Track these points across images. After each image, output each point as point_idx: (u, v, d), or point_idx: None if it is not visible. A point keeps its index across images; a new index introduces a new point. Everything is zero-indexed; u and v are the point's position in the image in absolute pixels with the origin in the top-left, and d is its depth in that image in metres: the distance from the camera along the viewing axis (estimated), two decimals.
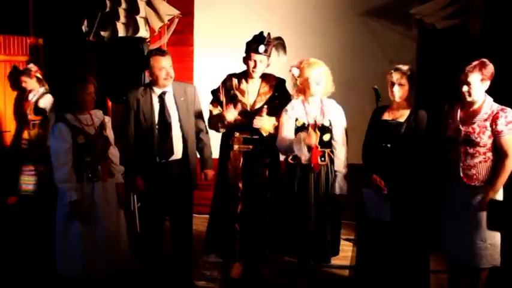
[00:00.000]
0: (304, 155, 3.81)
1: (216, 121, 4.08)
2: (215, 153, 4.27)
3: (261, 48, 3.95)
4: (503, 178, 3.50)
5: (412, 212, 3.71)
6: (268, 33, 4.01)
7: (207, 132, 4.16)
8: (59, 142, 3.64)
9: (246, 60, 4.03)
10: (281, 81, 4.13)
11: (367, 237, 3.88)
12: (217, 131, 4.14)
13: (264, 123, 3.97)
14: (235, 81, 4.10)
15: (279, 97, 4.08)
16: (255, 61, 3.98)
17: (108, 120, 3.88)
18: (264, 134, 4.00)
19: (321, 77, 3.83)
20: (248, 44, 4.00)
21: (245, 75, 4.10)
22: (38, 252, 4.60)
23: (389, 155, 3.70)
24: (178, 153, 3.97)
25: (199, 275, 4.36)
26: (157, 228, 4.06)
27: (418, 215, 3.73)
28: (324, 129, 3.88)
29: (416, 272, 3.78)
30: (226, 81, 4.12)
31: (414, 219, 3.71)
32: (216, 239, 4.17)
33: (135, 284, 4.15)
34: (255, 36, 4.01)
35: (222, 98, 4.09)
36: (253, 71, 4.01)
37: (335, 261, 4.12)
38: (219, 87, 4.13)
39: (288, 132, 3.89)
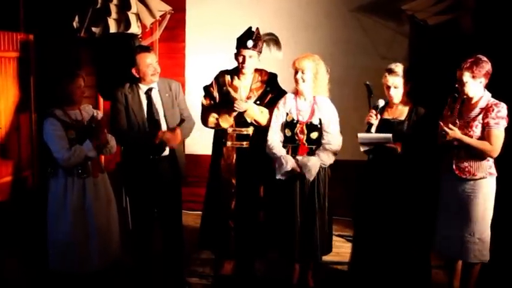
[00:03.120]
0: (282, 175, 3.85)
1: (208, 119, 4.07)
2: (207, 150, 4.25)
3: (250, 43, 3.93)
4: (476, 144, 3.52)
5: (415, 209, 3.74)
6: (257, 28, 4.00)
7: (192, 121, 4.15)
8: (59, 132, 3.64)
9: (236, 56, 4.02)
10: (273, 76, 4.13)
11: (363, 234, 3.89)
12: (209, 127, 4.13)
13: (247, 107, 3.95)
14: (227, 77, 4.09)
15: (271, 92, 4.08)
16: (243, 56, 3.96)
17: (96, 113, 3.85)
18: (249, 120, 3.99)
19: (307, 69, 3.82)
20: (237, 39, 4.00)
21: (237, 72, 4.09)
22: (29, 248, 4.59)
23: (392, 153, 3.72)
24: (166, 149, 3.97)
25: (191, 272, 4.35)
26: (147, 225, 4.06)
27: (420, 212, 3.75)
28: (312, 128, 3.89)
29: (418, 269, 3.81)
30: (219, 77, 4.11)
31: (416, 216, 3.74)
32: (210, 236, 4.15)
33: (126, 281, 4.14)
34: (245, 32, 4.00)
35: (216, 93, 4.08)
36: (242, 67, 4.00)
37: (328, 257, 4.13)
38: (212, 82, 4.12)
39: (276, 129, 3.92)
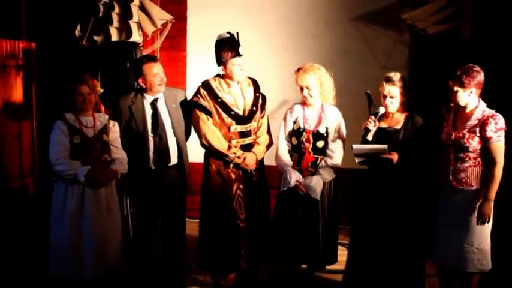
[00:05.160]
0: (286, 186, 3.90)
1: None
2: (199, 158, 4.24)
3: (241, 50, 3.88)
4: (495, 186, 3.50)
5: (410, 217, 3.74)
6: (237, 33, 3.91)
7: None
8: (60, 137, 3.66)
9: (225, 66, 3.91)
10: (256, 82, 4.12)
11: (360, 241, 3.90)
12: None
13: (251, 163, 3.99)
14: (217, 87, 3.99)
15: (261, 97, 4.09)
16: (239, 65, 3.91)
17: (112, 124, 3.85)
18: (252, 169, 4.01)
19: (311, 84, 3.84)
20: (224, 49, 3.87)
21: (223, 80, 4.01)
22: (30, 254, 4.59)
23: (385, 161, 3.72)
24: (174, 159, 3.98)
25: (192, 280, 4.35)
26: (150, 233, 4.06)
27: (415, 219, 3.76)
28: (318, 136, 3.90)
29: (412, 277, 3.81)
30: (209, 89, 3.98)
31: (411, 223, 3.75)
32: (213, 254, 4.04)
33: None
34: (229, 41, 3.88)
35: (211, 107, 3.95)
36: (240, 75, 3.96)
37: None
38: (200, 96, 3.97)
39: (283, 139, 3.97)
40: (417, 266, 3.83)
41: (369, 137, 3.74)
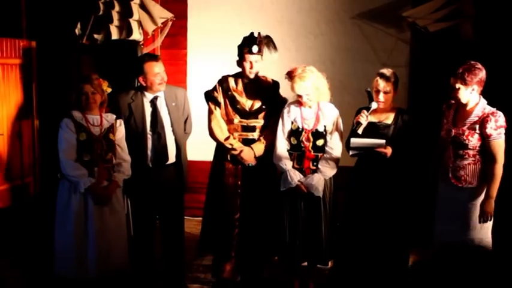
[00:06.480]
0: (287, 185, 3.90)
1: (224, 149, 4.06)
2: (211, 156, 4.26)
3: (255, 48, 3.94)
4: (496, 184, 3.50)
5: (398, 211, 3.81)
6: (259, 33, 4.00)
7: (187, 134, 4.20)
8: (68, 134, 3.66)
9: (240, 62, 4.02)
10: (275, 84, 4.14)
11: (349, 235, 3.96)
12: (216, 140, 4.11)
13: (248, 157, 4.01)
14: (232, 82, 4.09)
15: (273, 100, 4.10)
16: (250, 62, 3.96)
17: (119, 123, 3.85)
18: (251, 164, 4.03)
19: (309, 90, 3.83)
20: (240, 46, 4.00)
21: (241, 77, 4.09)
22: (31, 254, 4.60)
23: (377, 156, 3.76)
24: (172, 157, 3.99)
25: (193, 278, 4.35)
26: (149, 231, 4.06)
27: (402, 213, 3.83)
28: (318, 135, 3.91)
29: (395, 268, 3.90)
30: (223, 82, 4.10)
31: (399, 217, 3.82)
32: (211, 239, 4.12)
33: (128, 287, 4.14)
34: (247, 38, 4.00)
35: (221, 99, 4.07)
36: (250, 72, 4.00)
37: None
38: (215, 88, 4.11)
39: (282, 139, 3.96)
40: (401, 258, 3.93)
41: (360, 131, 3.79)
